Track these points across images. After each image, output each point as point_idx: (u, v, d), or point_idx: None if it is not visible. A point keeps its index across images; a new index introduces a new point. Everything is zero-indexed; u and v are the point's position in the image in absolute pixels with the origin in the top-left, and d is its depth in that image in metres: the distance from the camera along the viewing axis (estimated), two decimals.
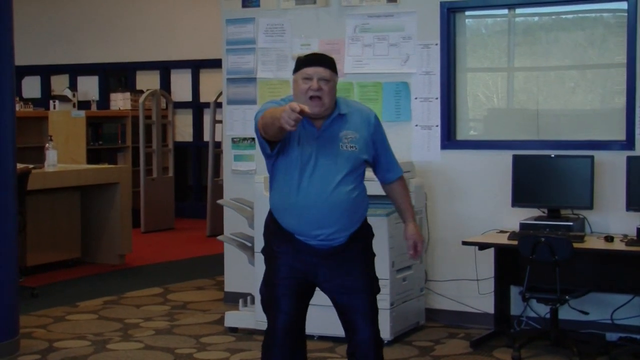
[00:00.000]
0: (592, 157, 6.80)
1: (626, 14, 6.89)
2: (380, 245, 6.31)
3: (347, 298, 4.50)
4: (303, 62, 4.47)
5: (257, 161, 8.00)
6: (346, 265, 4.50)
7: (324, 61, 4.46)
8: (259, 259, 6.39)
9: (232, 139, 8.22)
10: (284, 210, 4.50)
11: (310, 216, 4.39)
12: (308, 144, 4.42)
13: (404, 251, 6.71)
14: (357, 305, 4.48)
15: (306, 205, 4.39)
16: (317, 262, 4.48)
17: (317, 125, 4.44)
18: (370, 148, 4.52)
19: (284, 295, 4.48)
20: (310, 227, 4.42)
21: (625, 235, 6.58)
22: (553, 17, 7.48)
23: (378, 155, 4.57)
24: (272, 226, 4.60)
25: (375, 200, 6.29)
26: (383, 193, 6.50)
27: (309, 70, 4.40)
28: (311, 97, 4.35)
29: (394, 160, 4.72)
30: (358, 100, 7.46)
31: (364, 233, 4.63)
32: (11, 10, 6.55)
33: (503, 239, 6.75)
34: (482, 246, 6.87)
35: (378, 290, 4.62)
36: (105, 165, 11.64)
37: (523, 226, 6.82)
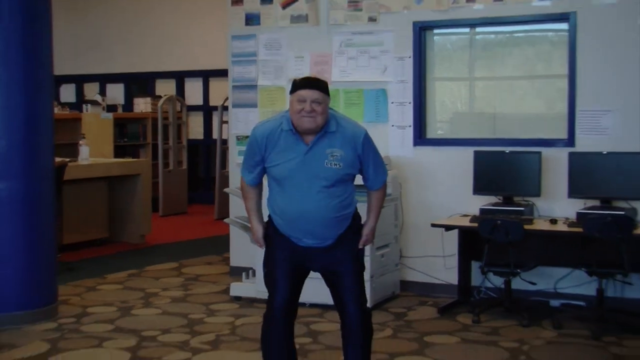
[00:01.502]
0: (539, 152, 6.81)
1: (567, 33, 6.91)
2: None
3: (336, 279, 4.41)
4: (298, 85, 4.28)
5: None
6: (336, 252, 4.38)
7: (317, 85, 4.27)
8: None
9: (237, 136, 8.13)
10: (279, 215, 4.37)
11: (300, 226, 4.28)
12: (298, 158, 4.25)
13: (382, 232, 6.79)
14: (345, 284, 4.38)
15: (295, 217, 4.27)
16: (310, 253, 4.38)
17: (307, 141, 4.26)
18: (356, 164, 4.33)
19: (281, 278, 4.38)
20: (301, 235, 4.30)
21: (567, 219, 6.60)
22: (507, 35, 7.46)
23: (364, 170, 4.38)
24: (271, 222, 4.47)
25: (357, 191, 6.27)
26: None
27: (303, 93, 4.22)
28: (302, 117, 4.22)
29: (380, 171, 4.47)
30: (343, 104, 7.51)
31: (353, 224, 4.48)
32: (51, 29, 6.51)
33: (465, 222, 6.74)
34: (448, 228, 6.86)
35: (363, 268, 4.49)
36: (129, 159, 11.61)
37: (482, 211, 6.80)
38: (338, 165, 4.24)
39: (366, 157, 4.35)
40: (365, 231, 4.52)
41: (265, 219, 4.54)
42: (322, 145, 4.26)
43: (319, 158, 4.24)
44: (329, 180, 4.24)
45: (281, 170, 4.29)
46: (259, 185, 4.49)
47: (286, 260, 4.40)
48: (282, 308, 4.39)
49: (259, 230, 4.44)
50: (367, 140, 4.36)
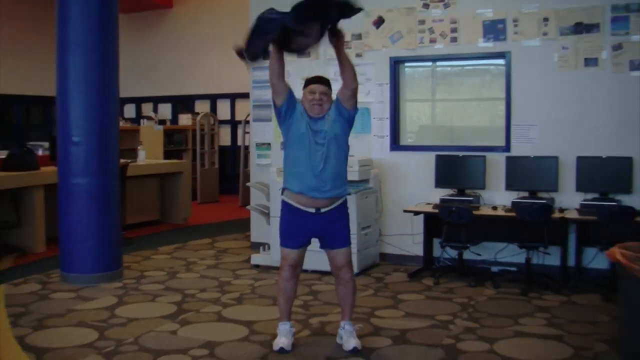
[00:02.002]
0: (484, 156, 6.86)
1: (504, 67, 6.95)
2: (351, 213, 6.13)
3: (333, 252, 4.49)
4: (309, 81, 4.45)
5: (271, 158, 7.94)
6: (332, 230, 4.45)
7: (323, 80, 4.45)
8: (274, 221, 6.52)
9: (256, 143, 8.14)
10: (293, 174, 4.41)
11: (312, 176, 4.34)
12: (307, 131, 4.36)
13: (366, 216, 6.82)
14: (340, 256, 4.49)
15: (310, 168, 4.34)
16: (314, 221, 4.41)
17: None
18: (340, 110, 4.42)
19: (293, 242, 4.48)
20: (312, 183, 4.34)
21: (504, 206, 6.66)
22: (459, 68, 7.44)
23: (340, 104, 4.42)
24: (284, 201, 4.49)
25: (348, 184, 6.43)
26: (355, 179, 6.52)
27: (313, 87, 4.39)
28: (313, 105, 4.38)
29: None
30: None
31: (344, 208, 4.54)
32: (118, 63, 6.57)
33: (429, 209, 6.78)
34: (416, 213, 6.87)
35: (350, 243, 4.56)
36: (175, 161, 11.53)
37: (442, 200, 6.84)
38: (334, 121, 4.36)
39: (339, 103, 4.41)
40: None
41: (279, 192, 4.57)
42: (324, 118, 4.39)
43: (322, 123, 4.37)
44: (330, 136, 4.34)
45: (298, 130, 4.35)
46: (282, 73, 4.38)
47: (296, 233, 4.44)
48: (291, 265, 4.48)
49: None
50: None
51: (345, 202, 4.58)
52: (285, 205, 4.53)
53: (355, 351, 4.49)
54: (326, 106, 4.40)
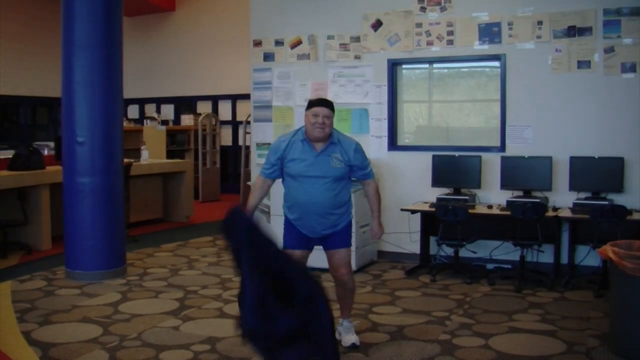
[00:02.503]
0: (480, 156, 6.86)
1: (499, 69, 6.96)
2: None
3: (332, 252, 4.48)
4: (313, 104, 4.36)
5: None
6: (334, 236, 4.44)
7: (327, 104, 4.35)
8: (274, 220, 6.48)
9: (257, 143, 8.13)
10: (293, 207, 4.40)
11: (309, 209, 4.33)
12: (310, 160, 4.32)
13: (365, 213, 6.63)
14: (338, 256, 4.48)
15: (306, 203, 4.32)
16: (316, 235, 4.43)
17: (317, 148, 4.33)
18: (350, 164, 4.39)
19: (293, 244, 4.42)
20: (311, 215, 4.35)
21: (499, 205, 6.69)
22: (456, 70, 7.44)
23: (354, 166, 4.39)
24: (286, 221, 4.49)
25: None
26: (354, 178, 6.63)
27: (317, 110, 4.29)
28: (315, 127, 4.29)
29: (368, 170, 4.50)
30: (335, 120, 7.31)
31: (348, 226, 4.53)
32: (122, 65, 6.59)
33: (426, 207, 6.77)
34: (413, 211, 6.88)
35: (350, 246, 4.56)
36: (178, 160, 11.53)
37: (438, 199, 6.85)
38: (340, 165, 4.33)
39: (356, 160, 4.39)
40: (374, 231, 4.57)
41: (281, 219, 4.53)
42: (328, 152, 4.34)
43: (326, 161, 4.32)
44: (332, 176, 4.32)
45: (297, 167, 4.32)
46: (269, 181, 4.46)
47: (298, 239, 4.42)
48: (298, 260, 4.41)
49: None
50: (359, 149, 4.44)
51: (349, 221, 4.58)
52: (287, 220, 4.53)
53: (353, 347, 4.50)
54: (328, 130, 4.34)
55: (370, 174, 4.52)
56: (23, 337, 4.76)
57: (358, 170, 4.46)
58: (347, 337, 4.56)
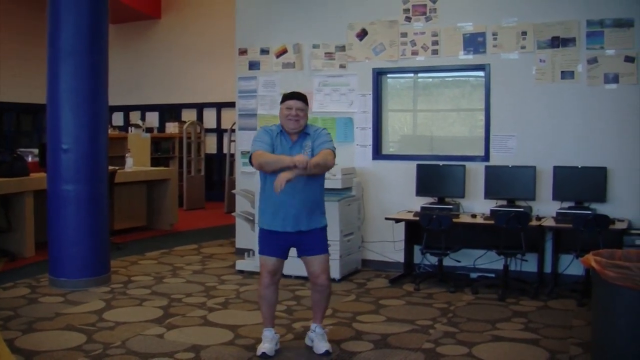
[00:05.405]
0: (464, 165, 6.89)
1: (483, 79, 7.00)
2: (334, 220, 6.37)
3: (309, 259, 4.50)
4: (287, 97, 4.48)
5: None
6: (310, 240, 4.47)
7: (300, 97, 4.47)
8: (257, 228, 6.50)
9: (241, 152, 8.11)
10: (267, 201, 4.46)
11: (285, 198, 4.35)
12: (285, 149, 4.41)
13: (348, 223, 6.84)
14: (317, 262, 4.50)
15: (283, 191, 4.24)
16: (291, 237, 4.46)
17: (292, 139, 4.44)
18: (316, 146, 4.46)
19: (270, 251, 4.51)
20: (285, 204, 4.38)
21: (483, 214, 6.68)
22: (440, 79, 7.44)
23: (316, 142, 4.42)
24: (260, 229, 4.57)
25: (331, 192, 6.42)
26: (338, 187, 6.64)
27: (290, 103, 4.42)
28: (289, 119, 4.41)
29: (329, 144, 4.46)
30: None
31: (321, 219, 4.56)
32: (107, 74, 6.58)
33: (410, 216, 6.77)
34: (397, 220, 6.88)
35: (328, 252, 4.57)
36: (162, 168, 11.50)
37: (423, 208, 6.84)
38: (309, 153, 4.39)
39: (319, 137, 4.45)
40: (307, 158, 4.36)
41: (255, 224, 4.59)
42: (301, 141, 4.45)
43: (298, 150, 4.41)
44: None
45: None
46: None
47: (273, 246, 4.48)
48: (270, 273, 4.50)
49: (287, 158, 4.31)
50: (321, 131, 4.51)
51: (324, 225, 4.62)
52: (262, 230, 4.59)
53: (327, 354, 4.51)
54: (302, 122, 4.44)
55: (329, 145, 4.48)
56: (6, 345, 4.71)
57: (320, 145, 4.46)
58: (320, 344, 4.57)
